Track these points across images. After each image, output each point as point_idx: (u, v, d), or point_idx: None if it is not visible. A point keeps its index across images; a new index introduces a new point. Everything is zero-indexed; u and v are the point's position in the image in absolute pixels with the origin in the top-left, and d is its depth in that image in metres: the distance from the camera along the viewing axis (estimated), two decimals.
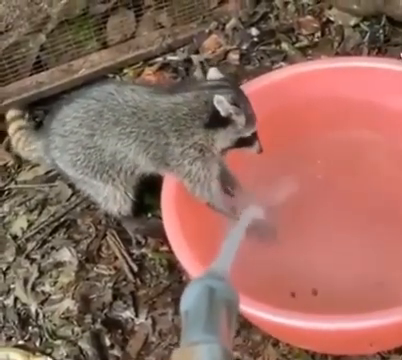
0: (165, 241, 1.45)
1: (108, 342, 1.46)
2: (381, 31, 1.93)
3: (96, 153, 1.49)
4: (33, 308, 1.54)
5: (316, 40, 1.97)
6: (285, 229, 1.47)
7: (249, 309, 1.23)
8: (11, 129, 1.79)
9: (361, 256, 1.44)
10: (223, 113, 1.36)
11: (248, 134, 1.41)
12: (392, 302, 1.19)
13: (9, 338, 1.51)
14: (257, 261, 1.40)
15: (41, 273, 1.60)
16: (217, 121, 1.37)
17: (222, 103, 1.34)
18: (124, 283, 1.55)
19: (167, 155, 1.43)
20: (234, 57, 1.97)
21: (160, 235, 1.48)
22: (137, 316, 1.49)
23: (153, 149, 1.44)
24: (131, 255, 1.59)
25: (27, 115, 1.86)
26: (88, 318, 1.49)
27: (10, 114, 1.84)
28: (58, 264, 1.61)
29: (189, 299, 0.84)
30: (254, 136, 1.43)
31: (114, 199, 1.57)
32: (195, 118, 1.39)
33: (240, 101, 1.36)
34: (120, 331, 1.47)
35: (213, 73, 1.43)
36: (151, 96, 1.45)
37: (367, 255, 1.44)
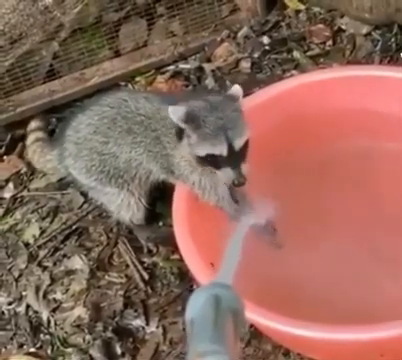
0: (176, 250, 1.45)
1: (119, 350, 1.46)
2: (393, 40, 1.92)
3: (111, 159, 1.50)
4: (45, 316, 1.56)
5: (328, 49, 1.96)
6: (292, 238, 1.48)
7: (260, 319, 1.23)
8: (29, 140, 1.82)
9: (369, 267, 1.43)
10: (178, 124, 1.32)
11: (202, 153, 1.32)
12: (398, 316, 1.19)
13: (21, 345, 1.52)
14: (262, 269, 1.40)
15: (53, 280, 1.61)
16: (179, 132, 1.35)
17: (173, 116, 1.30)
18: (135, 291, 1.55)
19: (171, 165, 1.43)
20: (245, 65, 1.97)
21: (171, 243, 1.48)
22: (148, 324, 1.50)
23: (160, 159, 1.45)
24: (142, 263, 1.60)
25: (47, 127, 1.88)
26: (99, 326, 1.50)
27: (31, 125, 1.86)
28: (70, 272, 1.62)
29: (195, 308, 0.83)
30: (217, 160, 1.32)
31: (127, 206, 1.57)
32: (174, 130, 1.38)
33: (195, 120, 1.30)
34: (131, 339, 1.47)
35: (234, 90, 1.38)
36: (158, 104, 1.45)
37: (374, 267, 1.43)
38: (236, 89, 1.37)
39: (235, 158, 1.31)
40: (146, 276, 1.57)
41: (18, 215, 1.77)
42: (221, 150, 1.30)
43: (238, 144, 1.31)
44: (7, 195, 1.82)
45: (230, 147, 1.30)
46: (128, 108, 1.48)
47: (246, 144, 1.33)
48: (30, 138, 1.81)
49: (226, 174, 1.32)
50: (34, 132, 1.83)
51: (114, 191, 1.55)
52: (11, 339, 1.54)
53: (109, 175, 1.52)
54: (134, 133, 1.46)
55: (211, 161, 1.33)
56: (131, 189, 1.54)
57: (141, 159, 1.48)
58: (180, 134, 1.35)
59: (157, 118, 1.43)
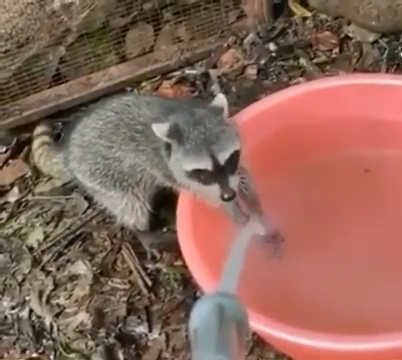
0: (180, 256, 1.45)
1: (121, 357, 1.46)
2: (400, 48, 1.92)
3: (115, 163, 1.51)
4: (48, 321, 1.55)
5: (334, 56, 1.96)
6: (294, 245, 1.47)
7: (263, 327, 1.23)
8: (35, 144, 1.83)
9: (371, 276, 1.43)
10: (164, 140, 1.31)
11: (188, 169, 1.31)
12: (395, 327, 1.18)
13: (23, 350, 1.52)
14: (262, 277, 1.40)
15: (56, 286, 1.61)
16: (168, 147, 1.33)
17: (157, 132, 1.30)
18: (138, 297, 1.55)
19: (172, 174, 1.41)
20: (252, 72, 1.97)
21: (175, 250, 1.48)
22: (151, 331, 1.49)
23: (161, 168, 1.44)
24: (146, 269, 1.59)
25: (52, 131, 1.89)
26: (102, 332, 1.50)
27: (37, 130, 1.87)
28: (73, 277, 1.62)
29: (199, 317, 0.83)
30: (203, 174, 1.30)
31: (131, 210, 1.57)
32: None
33: (178, 135, 1.29)
34: (134, 346, 1.47)
35: (218, 100, 1.35)
36: (157, 113, 1.44)
37: (377, 275, 1.43)
38: (220, 99, 1.34)
39: (221, 172, 1.29)
40: (149, 282, 1.57)
41: (22, 219, 1.77)
42: (206, 165, 1.29)
43: (223, 157, 1.29)
44: (12, 199, 1.82)
45: (215, 161, 1.28)
46: (131, 115, 1.48)
47: (234, 156, 1.31)
48: (36, 142, 1.82)
49: (214, 190, 1.30)
50: (40, 136, 1.84)
51: (118, 195, 1.55)
52: (14, 344, 1.54)
53: (113, 179, 1.53)
54: (136, 141, 1.46)
55: (198, 176, 1.31)
56: (136, 193, 1.54)
57: (145, 165, 1.48)
58: (168, 149, 1.34)
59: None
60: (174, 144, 1.31)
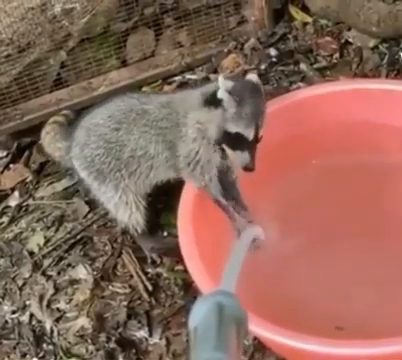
0: (181, 260, 1.46)
1: None
2: (400, 53, 1.93)
3: (116, 148, 1.51)
4: (48, 325, 1.55)
5: (335, 61, 1.97)
6: (295, 251, 1.48)
7: (265, 332, 1.23)
8: (49, 121, 1.80)
9: (374, 280, 1.43)
10: (219, 94, 1.36)
11: (233, 130, 1.37)
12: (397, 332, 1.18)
13: (24, 355, 1.52)
14: (262, 281, 1.40)
15: (57, 290, 1.61)
16: (213, 100, 1.38)
17: (222, 85, 1.35)
18: (139, 302, 1.55)
19: (177, 139, 1.45)
20: None
21: (176, 254, 1.48)
22: (151, 336, 1.49)
23: (169, 135, 1.46)
24: (146, 274, 1.59)
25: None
26: (102, 337, 1.50)
27: (63, 111, 1.85)
28: (73, 281, 1.61)
29: (198, 315, 0.83)
30: (240, 140, 1.38)
31: (125, 205, 1.57)
32: (201, 96, 1.42)
33: (240, 96, 1.35)
34: (134, 351, 1.47)
35: (250, 76, 1.44)
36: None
37: (380, 279, 1.43)
38: (254, 76, 1.43)
39: (254, 144, 1.38)
40: (150, 287, 1.57)
41: (23, 224, 1.77)
42: (249, 133, 1.37)
43: (261, 132, 1.38)
44: (12, 203, 1.82)
45: (255, 133, 1.38)
46: (148, 98, 1.54)
47: (262, 137, 1.40)
48: (51, 120, 1.80)
49: (243, 156, 1.39)
50: (57, 116, 1.82)
51: (110, 187, 1.55)
52: (14, 348, 1.54)
53: (109, 167, 1.53)
54: (148, 115, 1.48)
55: (234, 140, 1.39)
56: (127, 184, 1.54)
57: (149, 147, 1.48)
58: (217, 103, 1.37)
59: (176, 96, 1.50)
60: (230, 102, 1.35)
